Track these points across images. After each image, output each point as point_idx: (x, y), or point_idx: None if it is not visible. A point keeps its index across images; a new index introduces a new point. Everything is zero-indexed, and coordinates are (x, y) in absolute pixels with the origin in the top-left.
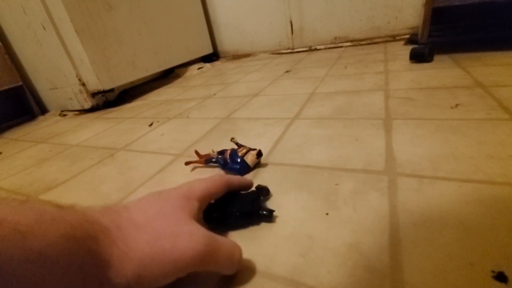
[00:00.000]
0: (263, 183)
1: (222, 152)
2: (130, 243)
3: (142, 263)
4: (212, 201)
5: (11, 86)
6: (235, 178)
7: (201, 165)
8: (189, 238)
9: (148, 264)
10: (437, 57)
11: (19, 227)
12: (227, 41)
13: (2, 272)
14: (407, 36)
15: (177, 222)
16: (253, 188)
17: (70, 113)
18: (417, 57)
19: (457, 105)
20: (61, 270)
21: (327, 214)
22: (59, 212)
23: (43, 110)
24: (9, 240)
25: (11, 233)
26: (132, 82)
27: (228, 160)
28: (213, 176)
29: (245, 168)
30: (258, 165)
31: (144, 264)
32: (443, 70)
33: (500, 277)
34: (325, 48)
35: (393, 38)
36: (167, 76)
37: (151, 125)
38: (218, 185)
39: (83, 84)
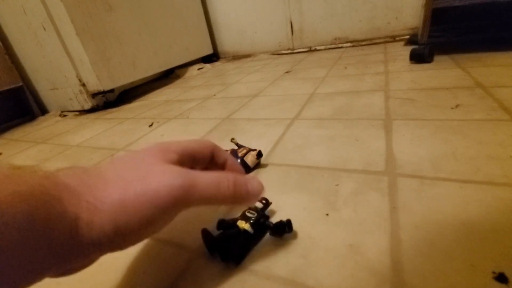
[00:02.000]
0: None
1: None
2: (99, 196)
3: (115, 213)
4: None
5: (11, 86)
6: (223, 151)
7: None
8: (161, 175)
9: (122, 212)
10: (437, 58)
11: None
12: (227, 41)
13: None
14: (407, 36)
15: (148, 166)
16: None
17: (70, 114)
18: (417, 57)
19: (457, 106)
20: (18, 233)
21: (327, 214)
22: (13, 171)
23: (43, 111)
24: None
25: None
26: (132, 83)
27: None
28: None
29: (245, 169)
30: (258, 165)
31: (118, 213)
32: (443, 71)
33: (501, 278)
34: (325, 49)
35: (393, 38)
36: (167, 76)
37: (151, 125)
38: (201, 143)
39: (83, 85)
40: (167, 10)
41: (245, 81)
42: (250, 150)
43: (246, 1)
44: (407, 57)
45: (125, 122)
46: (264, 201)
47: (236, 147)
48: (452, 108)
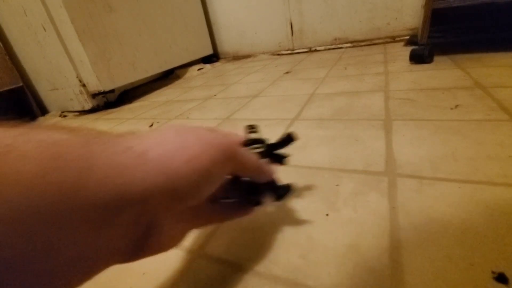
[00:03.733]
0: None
1: None
2: (147, 144)
3: (166, 159)
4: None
5: (12, 87)
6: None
7: None
8: (211, 131)
9: (172, 158)
10: (437, 58)
11: None
12: (227, 42)
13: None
14: (407, 37)
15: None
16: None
17: (70, 114)
18: (417, 58)
19: (456, 106)
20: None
21: (327, 215)
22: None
23: (44, 111)
24: None
25: None
26: (132, 83)
27: None
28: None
29: None
30: None
31: (169, 160)
32: (443, 71)
33: (501, 278)
34: (325, 49)
35: (393, 39)
36: (167, 77)
37: (151, 126)
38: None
39: (84, 85)
40: (167, 11)
41: (245, 82)
42: None
43: (246, 2)
44: (407, 57)
45: (126, 122)
46: (254, 129)
47: None
48: (451, 109)
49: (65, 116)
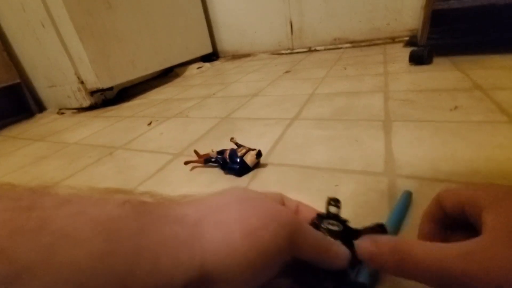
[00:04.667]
0: (263, 183)
1: (221, 152)
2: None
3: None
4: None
5: (9, 83)
6: (291, 199)
7: (200, 164)
8: (275, 205)
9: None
10: (436, 60)
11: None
12: (227, 41)
13: None
14: (407, 38)
15: (264, 199)
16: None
17: (68, 111)
18: (416, 59)
19: (456, 108)
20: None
21: None
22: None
23: (41, 108)
24: None
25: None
26: (131, 81)
27: (228, 160)
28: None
29: (244, 168)
30: (257, 165)
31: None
32: (442, 73)
33: None
34: (324, 49)
35: (393, 40)
36: (167, 75)
37: (150, 124)
38: (273, 195)
39: (82, 82)
40: (168, 9)
41: (245, 81)
42: (249, 149)
43: (246, 1)
44: (406, 58)
45: (124, 120)
46: (338, 204)
47: (235, 147)
48: (451, 110)
49: (62, 113)
